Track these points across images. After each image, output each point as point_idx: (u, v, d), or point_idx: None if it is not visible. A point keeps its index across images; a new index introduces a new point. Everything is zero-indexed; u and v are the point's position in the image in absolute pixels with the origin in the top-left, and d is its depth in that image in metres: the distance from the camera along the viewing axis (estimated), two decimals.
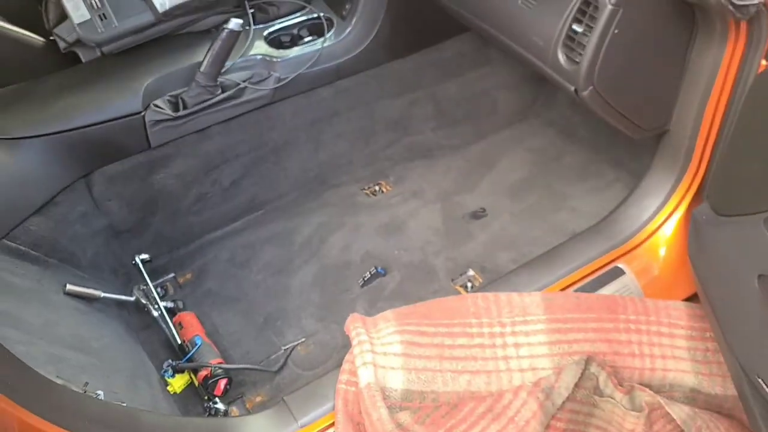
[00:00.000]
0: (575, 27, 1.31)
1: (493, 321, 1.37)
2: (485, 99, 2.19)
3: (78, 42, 1.69)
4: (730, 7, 1.15)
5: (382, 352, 1.30)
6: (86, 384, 1.22)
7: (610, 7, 1.23)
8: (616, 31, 1.26)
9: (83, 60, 1.73)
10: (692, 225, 1.36)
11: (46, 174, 1.55)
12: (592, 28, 1.27)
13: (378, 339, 1.33)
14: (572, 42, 1.34)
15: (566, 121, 2.15)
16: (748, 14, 1.18)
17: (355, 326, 1.36)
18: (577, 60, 1.33)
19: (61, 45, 1.71)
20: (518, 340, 1.35)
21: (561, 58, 1.36)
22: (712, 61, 1.34)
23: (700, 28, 1.34)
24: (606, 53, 1.29)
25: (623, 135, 1.94)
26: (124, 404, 1.24)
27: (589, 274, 1.51)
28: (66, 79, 1.66)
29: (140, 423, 1.20)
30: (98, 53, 1.71)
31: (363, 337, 1.32)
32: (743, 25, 1.26)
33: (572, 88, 1.37)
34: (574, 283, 1.50)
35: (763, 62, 1.28)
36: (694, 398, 1.34)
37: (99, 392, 1.22)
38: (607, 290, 1.49)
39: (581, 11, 1.30)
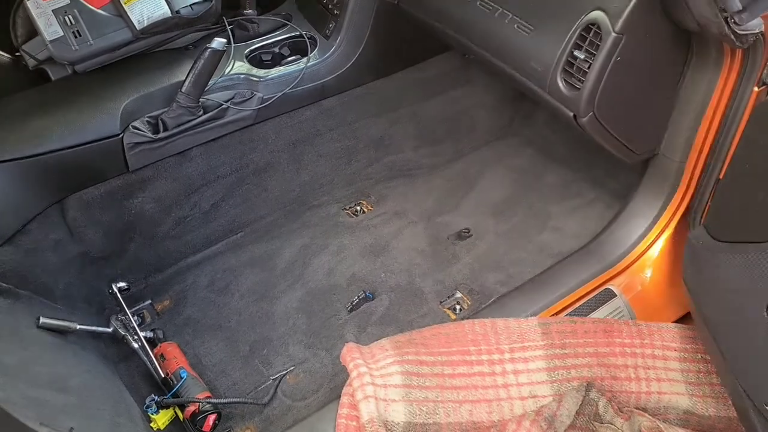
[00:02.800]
0: (576, 53, 1.30)
1: (491, 348, 1.35)
2: (465, 118, 2.17)
3: (49, 59, 1.60)
4: (732, 36, 1.16)
5: (382, 384, 1.26)
6: (71, 430, 1.15)
7: (614, 34, 1.23)
8: (618, 59, 1.26)
9: (53, 78, 1.64)
10: (688, 249, 1.36)
11: (17, 201, 1.46)
12: (593, 54, 1.27)
13: (377, 370, 1.29)
14: (572, 68, 1.33)
15: (544, 141, 2.16)
16: (747, 43, 1.20)
17: (353, 356, 1.32)
18: (577, 86, 1.32)
19: (30, 63, 1.61)
20: (517, 366, 1.33)
21: (560, 84, 1.36)
22: (705, 87, 1.36)
23: (695, 55, 1.36)
24: (607, 80, 1.28)
25: (601, 154, 1.97)
26: None
27: (581, 297, 1.51)
28: (36, 98, 1.57)
29: None
30: (69, 71, 1.62)
31: (362, 369, 1.28)
32: (738, 53, 1.28)
33: (571, 114, 1.36)
34: (567, 306, 1.50)
35: (755, 89, 1.31)
36: (688, 420, 1.35)
37: None
38: (600, 313, 1.50)
39: (582, 37, 1.30)
